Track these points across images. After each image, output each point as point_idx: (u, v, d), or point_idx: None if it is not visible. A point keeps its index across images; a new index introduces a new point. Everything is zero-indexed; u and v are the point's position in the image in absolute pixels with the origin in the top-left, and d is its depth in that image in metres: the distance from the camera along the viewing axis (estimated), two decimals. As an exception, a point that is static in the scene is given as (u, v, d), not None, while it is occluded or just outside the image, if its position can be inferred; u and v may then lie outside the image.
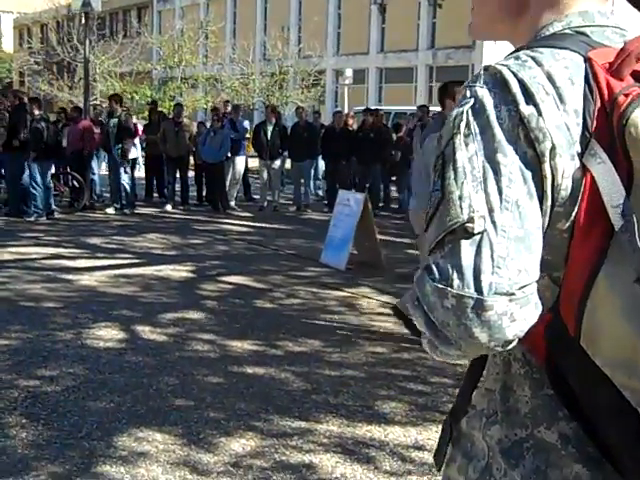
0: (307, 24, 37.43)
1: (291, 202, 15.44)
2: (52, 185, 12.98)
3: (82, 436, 4.20)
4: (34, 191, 12.48)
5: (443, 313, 1.10)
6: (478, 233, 1.09)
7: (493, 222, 1.10)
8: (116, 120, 13.94)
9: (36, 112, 12.46)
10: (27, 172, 12.27)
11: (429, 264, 1.12)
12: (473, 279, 1.08)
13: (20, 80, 54.39)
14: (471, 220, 1.09)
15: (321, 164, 16.40)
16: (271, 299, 7.60)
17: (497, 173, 1.11)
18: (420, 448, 4.17)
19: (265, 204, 14.92)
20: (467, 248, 1.09)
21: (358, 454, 4.11)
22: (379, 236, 9.46)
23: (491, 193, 1.10)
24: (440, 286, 1.10)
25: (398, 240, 11.35)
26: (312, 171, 16.10)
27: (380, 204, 14.64)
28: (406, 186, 14.56)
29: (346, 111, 19.35)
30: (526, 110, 1.12)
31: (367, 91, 36.82)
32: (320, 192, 17.22)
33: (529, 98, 1.12)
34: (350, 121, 15.14)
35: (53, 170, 13.15)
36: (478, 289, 1.08)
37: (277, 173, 15.04)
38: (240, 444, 4.17)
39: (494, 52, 21.76)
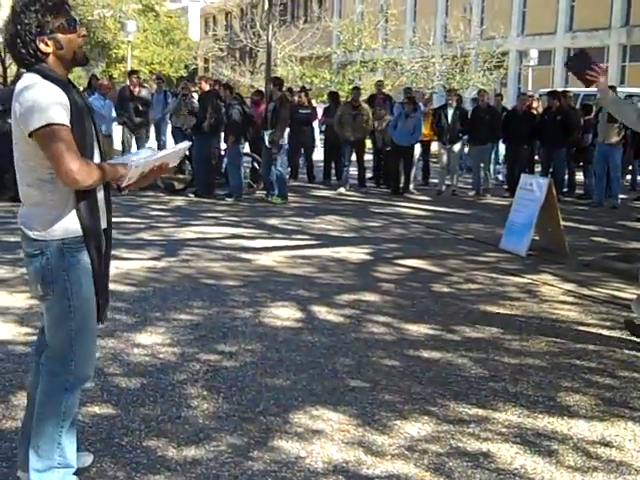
0: (490, 4, 36.55)
1: (470, 187, 15.13)
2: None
3: (259, 411, 4.26)
4: (235, 173, 12.91)
5: None
6: None
7: None
8: (273, 105, 13.10)
9: (229, 97, 12.92)
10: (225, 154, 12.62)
11: None
12: None
13: (205, 66, 56.60)
14: None
15: (501, 148, 15.96)
16: (448, 283, 7.45)
17: None
18: (607, 444, 3.92)
19: (443, 188, 14.70)
20: None
21: (539, 446, 3.92)
22: (563, 222, 9.07)
23: None
24: None
25: (583, 227, 10.86)
26: (492, 155, 15.70)
27: (564, 189, 14.08)
28: (592, 172, 13.93)
29: (530, 93, 18.74)
30: None
31: (553, 72, 35.50)
32: (500, 177, 16.78)
33: None
34: (535, 104, 14.62)
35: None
36: None
37: (456, 157, 14.77)
38: (415, 428, 4.09)
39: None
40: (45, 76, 3.00)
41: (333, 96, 17.37)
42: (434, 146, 15.71)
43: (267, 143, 12.70)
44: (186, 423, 4.07)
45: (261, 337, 5.60)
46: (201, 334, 5.61)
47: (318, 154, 16.57)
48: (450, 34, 33.78)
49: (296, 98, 16.75)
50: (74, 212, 3.07)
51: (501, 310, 6.51)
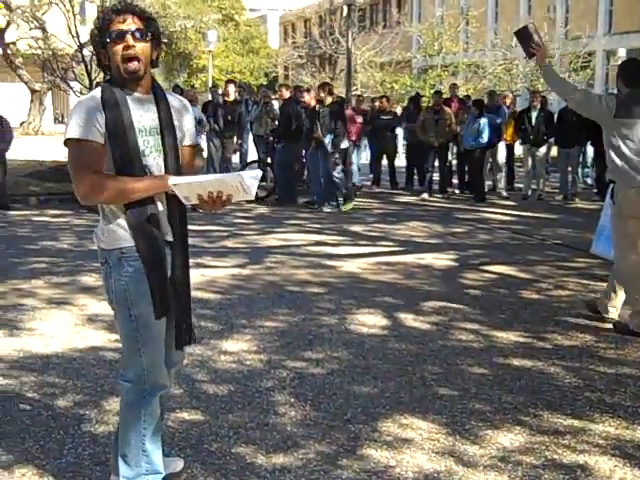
0: (575, 3, 35.76)
1: (557, 191, 14.78)
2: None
3: (347, 419, 4.22)
4: (317, 181, 12.88)
5: None
6: None
7: None
8: (327, 110, 12.65)
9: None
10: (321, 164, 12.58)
11: None
12: None
13: (285, 74, 57.01)
14: None
15: (590, 151, 15.55)
16: (538, 290, 7.27)
17: None
18: None
19: (529, 193, 14.41)
20: None
21: (639, 459, 3.76)
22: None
23: None
24: None
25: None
26: (580, 158, 15.33)
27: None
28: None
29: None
30: None
31: (641, 72, 34.43)
32: (589, 180, 16.35)
33: None
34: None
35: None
36: None
37: (542, 160, 14.46)
38: (508, 438, 3.98)
39: None
40: (103, 89, 3.06)
41: (415, 100, 17.25)
42: (518, 150, 15.44)
43: (329, 149, 12.55)
44: (274, 430, 4.05)
45: (347, 344, 5.56)
46: (287, 341, 5.60)
47: (400, 160, 16.48)
48: (534, 35, 33.15)
49: (377, 104, 16.72)
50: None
51: (594, 317, 6.30)
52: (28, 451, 3.80)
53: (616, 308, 6.15)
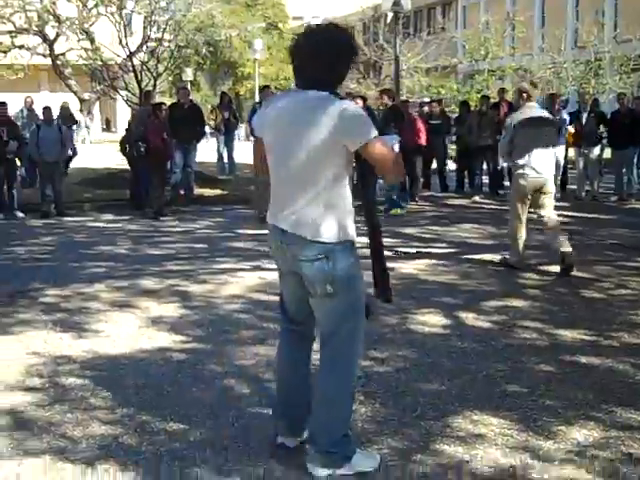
0: (624, 6, 35.25)
1: (611, 192, 14.59)
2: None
3: (417, 415, 4.22)
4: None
5: None
6: None
7: None
8: (384, 114, 12.69)
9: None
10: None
11: None
12: None
13: (330, 81, 57.12)
14: None
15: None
16: (599, 289, 7.19)
17: None
18: None
19: (583, 194, 14.25)
20: None
21: None
22: None
23: None
24: None
25: None
26: (635, 159, 15.11)
27: None
28: None
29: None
30: None
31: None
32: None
33: None
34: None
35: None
36: None
37: (594, 162, 14.29)
38: (582, 434, 3.95)
39: None
40: None
41: (464, 105, 17.19)
42: (571, 152, 15.27)
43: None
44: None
45: (410, 343, 5.56)
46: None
47: (450, 163, 16.42)
48: (582, 38, 32.78)
49: (426, 108, 16.68)
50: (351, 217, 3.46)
51: (659, 316, 6.22)
52: (108, 447, 3.86)
53: None
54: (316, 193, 3.34)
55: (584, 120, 14.01)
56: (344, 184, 3.41)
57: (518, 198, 8.09)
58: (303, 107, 3.34)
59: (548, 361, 5.12)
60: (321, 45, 3.35)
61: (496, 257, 8.53)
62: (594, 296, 6.95)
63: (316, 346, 3.70)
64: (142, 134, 12.56)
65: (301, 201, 3.37)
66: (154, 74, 18.30)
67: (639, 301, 6.73)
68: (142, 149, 12.38)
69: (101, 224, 11.93)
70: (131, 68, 18.26)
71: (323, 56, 3.33)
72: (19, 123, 14.99)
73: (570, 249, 7.81)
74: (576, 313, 6.34)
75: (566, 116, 14.31)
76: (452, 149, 16.82)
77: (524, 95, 8.01)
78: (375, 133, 3.32)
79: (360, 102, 13.10)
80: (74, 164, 16.75)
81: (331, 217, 3.36)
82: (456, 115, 17.07)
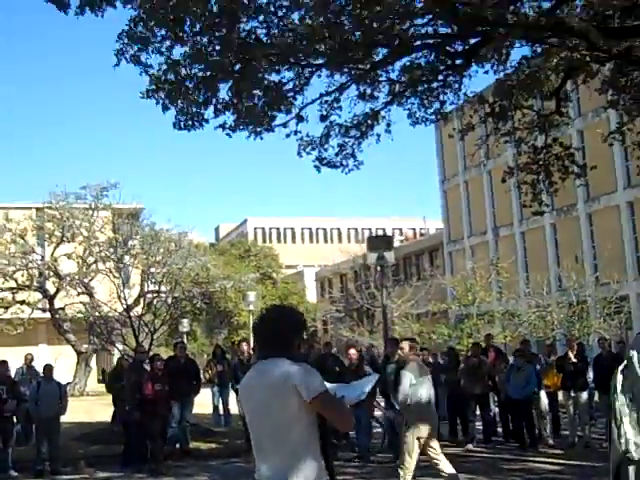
0: (601, 251, 36.77)
1: (604, 437, 14.54)
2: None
3: None
4: (366, 431, 13.15)
5: None
6: None
7: None
8: (394, 366, 11.95)
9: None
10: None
11: None
12: None
13: (324, 328, 58.09)
14: None
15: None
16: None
17: None
18: None
19: (576, 440, 14.23)
20: None
21: None
22: None
23: None
24: None
25: None
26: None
27: None
28: None
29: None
30: None
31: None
32: (634, 424, 16.10)
33: None
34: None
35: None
36: None
37: (584, 406, 14.43)
38: None
39: None
40: None
41: (451, 352, 17.62)
42: (560, 396, 15.45)
43: (397, 406, 12.53)
44: None
45: None
46: None
47: (441, 409, 16.47)
48: (564, 282, 33.90)
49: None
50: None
51: None
52: None
53: None
54: (290, 451, 3.89)
55: (570, 365, 14.31)
56: (313, 439, 3.98)
57: None
58: (265, 386, 4.04)
59: None
60: (276, 324, 4.24)
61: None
62: None
63: None
64: (136, 385, 12.79)
65: (276, 458, 3.94)
66: (151, 329, 18.82)
67: None
68: (136, 399, 12.55)
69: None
70: (129, 322, 18.80)
71: (279, 332, 4.18)
72: (17, 379, 15.20)
73: None
74: None
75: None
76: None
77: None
78: (324, 387, 3.96)
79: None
80: (71, 418, 16.74)
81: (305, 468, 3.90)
82: (444, 362, 17.48)
